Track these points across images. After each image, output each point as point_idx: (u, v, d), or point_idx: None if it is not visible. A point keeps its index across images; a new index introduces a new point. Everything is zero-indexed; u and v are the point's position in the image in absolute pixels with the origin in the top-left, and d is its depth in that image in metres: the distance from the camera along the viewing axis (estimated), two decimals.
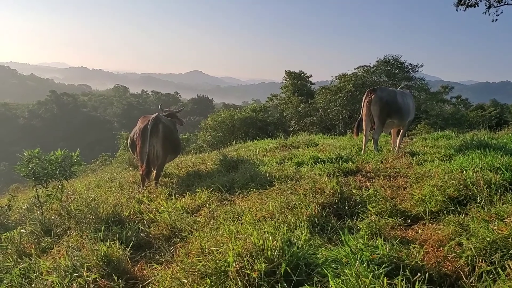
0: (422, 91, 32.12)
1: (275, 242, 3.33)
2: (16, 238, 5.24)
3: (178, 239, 4.76)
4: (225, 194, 6.23)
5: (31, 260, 4.48)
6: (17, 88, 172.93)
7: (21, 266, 4.35)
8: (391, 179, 6.02)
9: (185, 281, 3.25)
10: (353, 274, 2.84)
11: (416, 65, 31.74)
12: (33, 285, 3.85)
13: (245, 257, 3.25)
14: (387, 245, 3.39)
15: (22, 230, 5.55)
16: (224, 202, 5.86)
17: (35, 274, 4.09)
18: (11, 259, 4.69)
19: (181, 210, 5.69)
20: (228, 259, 3.30)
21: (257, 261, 3.17)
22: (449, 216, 4.14)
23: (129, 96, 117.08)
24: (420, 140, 10.91)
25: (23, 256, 4.66)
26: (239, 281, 3.08)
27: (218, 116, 27.74)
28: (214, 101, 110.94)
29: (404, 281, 2.79)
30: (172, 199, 6.42)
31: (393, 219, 4.33)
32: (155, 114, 8.14)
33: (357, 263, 3.05)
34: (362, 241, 3.51)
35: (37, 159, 6.29)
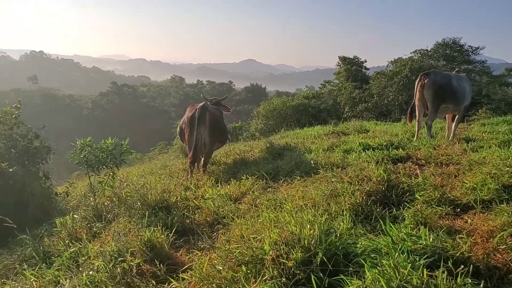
0: (483, 74, 30.47)
1: (312, 231, 3.26)
2: (69, 223, 5.49)
3: (221, 226, 4.79)
4: (269, 182, 6.21)
5: (81, 244, 4.68)
6: (80, 80, 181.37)
7: (71, 250, 4.55)
8: (443, 166, 5.75)
9: (221, 268, 3.25)
10: (391, 264, 2.73)
11: (477, 47, 30.12)
12: (80, 269, 4.01)
13: (281, 245, 3.21)
14: (432, 235, 3.24)
15: (75, 216, 5.80)
16: (268, 190, 5.83)
17: (83, 258, 4.26)
18: (63, 244, 4.93)
19: (225, 197, 5.72)
20: (265, 247, 3.27)
21: (293, 250, 3.13)
22: (502, 205, 3.90)
23: (185, 86, 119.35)
24: (478, 125, 10.36)
25: (74, 241, 4.88)
26: (274, 269, 3.05)
27: (270, 104, 27.65)
28: (267, 89, 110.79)
29: (446, 273, 2.64)
30: (217, 186, 6.49)
31: (441, 208, 4.12)
32: (202, 103, 8.23)
33: (396, 254, 2.93)
34: (405, 231, 3.37)
35: (89, 148, 6.54)
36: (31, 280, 3.99)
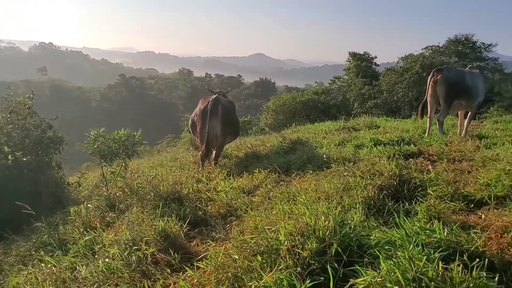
0: (496, 71, 30.21)
1: (327, 222, 3.30)
2: (83, 212, 5.57)
3: (234, 218, 4.84)
4: (281, 175, 6.24)
5: (95, 233, 4.75)
6: (89, 72, 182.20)
7: (86, 238, 4.64)
8: (455, 162, 5.75)
9: (237, 257, 3.30)
10: (406, 256, 2.75)
11: (490, 44, 29.85)
12: (96, 256, 4.08)
13: (296, 236, 3.25)
14: (446, 229, 3.26)
15: (88, 205, 5.89)
16: (281, 183, 5.87)
17: (99, 246, 4.34)
18: (77, 232, 5.01)
19: (238, 190, 5.77)
20: (280, 237, 3.31)
21: (308, 241, 3.16)
22: None
23: (194, 79, 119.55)
24: (490, 123, 10.32)
25: (88, 229, 4.96)
26: (289, 259, 3.09)
27: (279, 99, 27.69)
28: (276, 84, 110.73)
29: (461, 266, 2.67)
30: (230, 179, 6.53)
31: (454, 203, 4.14)
32: (215, 96, 8.26)
33: (411, 246, 2.95)
34: (418, 225, 3.39)
35: (102, 138, 6.61)
36: (49, 265, 4.06)
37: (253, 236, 3.59)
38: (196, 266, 3.58)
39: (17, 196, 6.48)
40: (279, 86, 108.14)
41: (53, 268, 3.96)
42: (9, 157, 6.99)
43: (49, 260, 4.20)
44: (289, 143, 8.66)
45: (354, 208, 4.10)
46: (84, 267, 3.89)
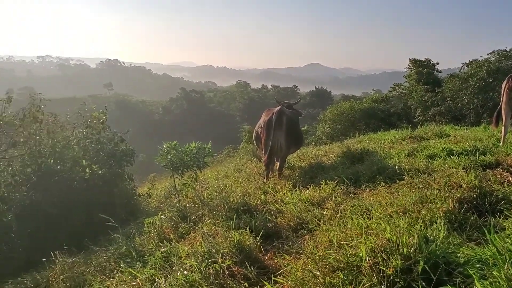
0: None
1: (411, 238, 3.17)
2: (157, 223, 5.71)
3: (305, 231, 4.78)
4: (350, 187, 6.09)
5: (171, 244, 4.85)
6: (152, 86, 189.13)
7: (162, 250, 4.73)
8: None
9: (317, 273, 3.24)
10: (503, 276, 2.59)
11: None
12: (173, 268, 4.15)
13: (378, 253, 3.14)
14: None
15: (162, 216, 6.03)
16: (350, 195, 5.74)
17: (175, 258, 4.42)
18: (153, 243, 5.13)
19: (306, 202, 5.70)
20: (360, 254, 3.22)
21: (392, 258, 3.05)
22: None
23: (250, 91, 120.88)
24: None
25: (164, 241, 5.07)
26: (373, 276, 2.99)
27: (337, 108, 27.40)
28: (332, 93, 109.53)
29: None
30: (296, 190, 6.47)
31: None
32: (279, 107, 8.25)
33: (506, 265, 2.77)
34: (510, 241, 3.18)
35: (174, 151, 6.79)
36: (129, 278, 4.18)
37: (330, 251, 3.52)
38: (274, 280, 3.55)
39: (93, 208, 6.78)
40: (335, 95, 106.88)
41: (135, 279, 4.07)
42: (87, 170, 7.34)
43: (131, 271, 4.32)
44: (355, 154, 8.47)
45: (435, 223, 3.92)
46: (163, 279, 3.96)
